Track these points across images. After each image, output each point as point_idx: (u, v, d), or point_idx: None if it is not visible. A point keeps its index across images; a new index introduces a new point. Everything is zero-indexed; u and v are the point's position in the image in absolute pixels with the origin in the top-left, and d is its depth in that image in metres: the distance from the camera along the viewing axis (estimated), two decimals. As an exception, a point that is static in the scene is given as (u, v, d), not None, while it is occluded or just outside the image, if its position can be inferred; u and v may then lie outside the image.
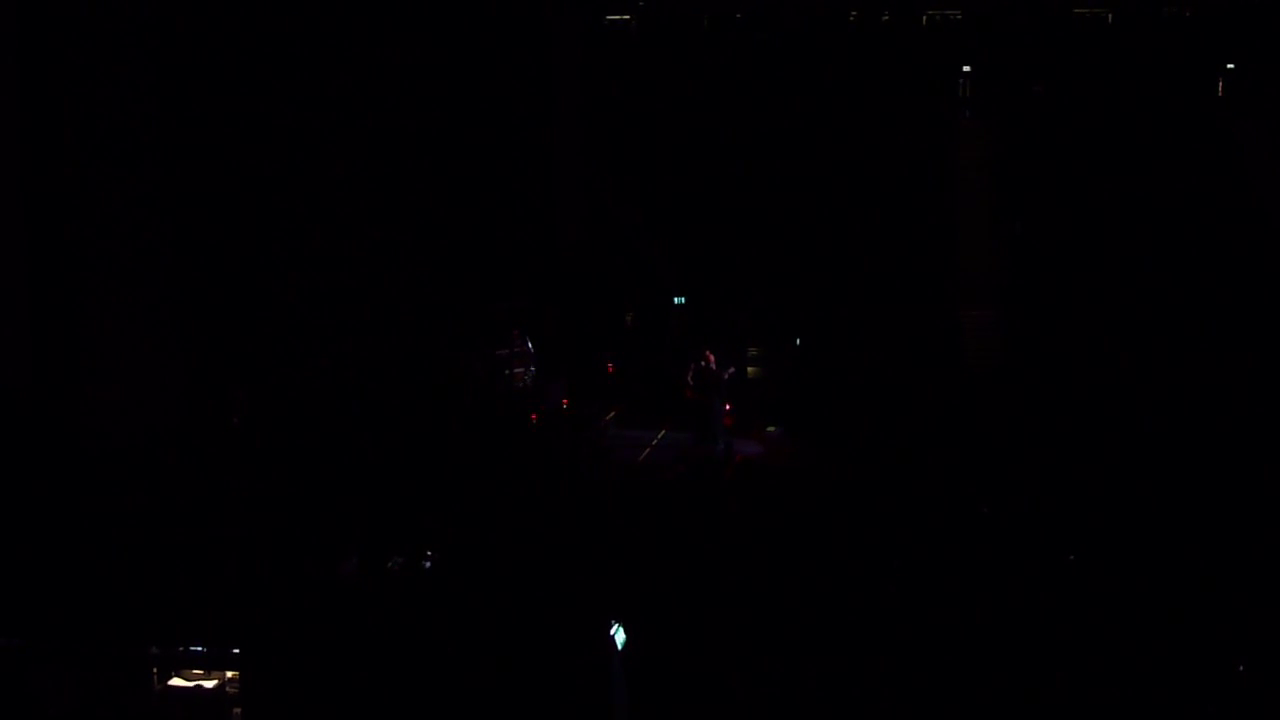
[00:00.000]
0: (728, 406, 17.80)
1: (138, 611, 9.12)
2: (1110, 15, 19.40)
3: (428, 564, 10.59)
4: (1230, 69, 19.40)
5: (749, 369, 21.05)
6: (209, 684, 8.65)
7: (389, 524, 11.40)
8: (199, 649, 8.61)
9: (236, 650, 8.55)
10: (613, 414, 19.60)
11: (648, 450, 17.81)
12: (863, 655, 9.02)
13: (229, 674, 8.61)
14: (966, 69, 19.71)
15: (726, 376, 17.49)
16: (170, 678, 8.67)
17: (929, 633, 9.28)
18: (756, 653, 9.28)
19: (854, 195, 20.38)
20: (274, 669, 8.60)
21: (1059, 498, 12.56)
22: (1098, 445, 14.74)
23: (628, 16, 22.31)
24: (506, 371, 17.95)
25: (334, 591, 10.08)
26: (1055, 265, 18.62)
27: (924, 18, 20.27)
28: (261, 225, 15.53)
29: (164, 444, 13.18)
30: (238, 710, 8.61)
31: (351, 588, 10.26)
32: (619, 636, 8.55)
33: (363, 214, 17.03)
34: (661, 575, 10.58)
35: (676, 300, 22.19)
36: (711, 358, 17.43)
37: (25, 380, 12.68)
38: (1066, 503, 12.38)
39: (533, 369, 18.45)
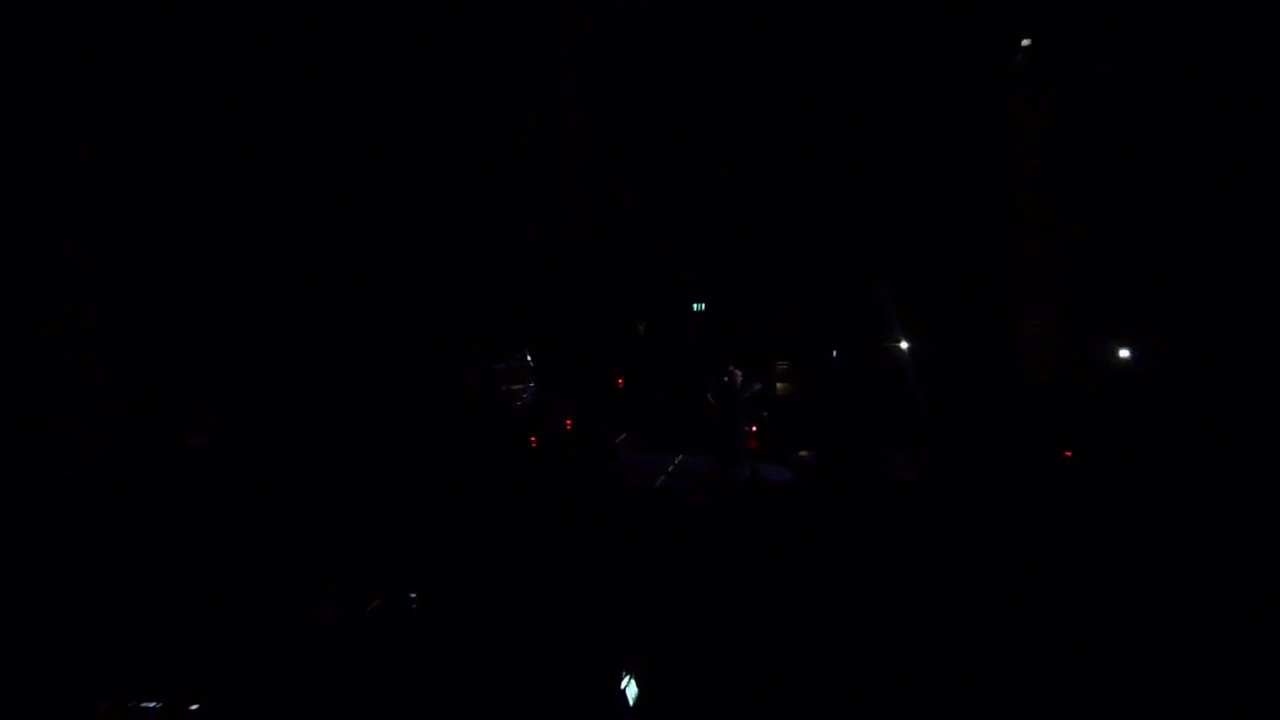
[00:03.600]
0: (753, 428, 17.71)
1: (82, 661, 9.03)
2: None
3: (413, 605, 10.52)
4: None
5: (778, 385, 20.96)
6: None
7: (371, 559, 11.31)
8: (152, 704, 8.51)
9: (196, 706, 8.46)
10: (623, 436, 19.54)
11: (663, 476, 17.73)
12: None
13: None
14: (1025, 43, 19.54)
15: (751, 395, 17.39)
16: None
17: (987, 692, 9.14)
18: (789, 714, 9.16)
19: (894, 190, 20.28)
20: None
21: (1130, 534, 12.43)
22: (1172, 474, 14.59)
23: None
24: (503, 388, 17.90)
25: (309, 636, 9.98)
26: (1124, 271, 18.44)
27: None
28: (230, 223, 15.47)
29: (115, 471, 13.12)
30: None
31: (328, 632, 10.17)
32: (630, 690, 8.53)
33: (344, 213, 16.99)
34: (679, 620, 10.47)
35: (695, 307, 22.13)
36: (736, 373, 17.34)
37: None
38: (1139, 541, 12.25)
39: (533, 385, 18.40)
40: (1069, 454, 15.94)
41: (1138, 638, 9.84)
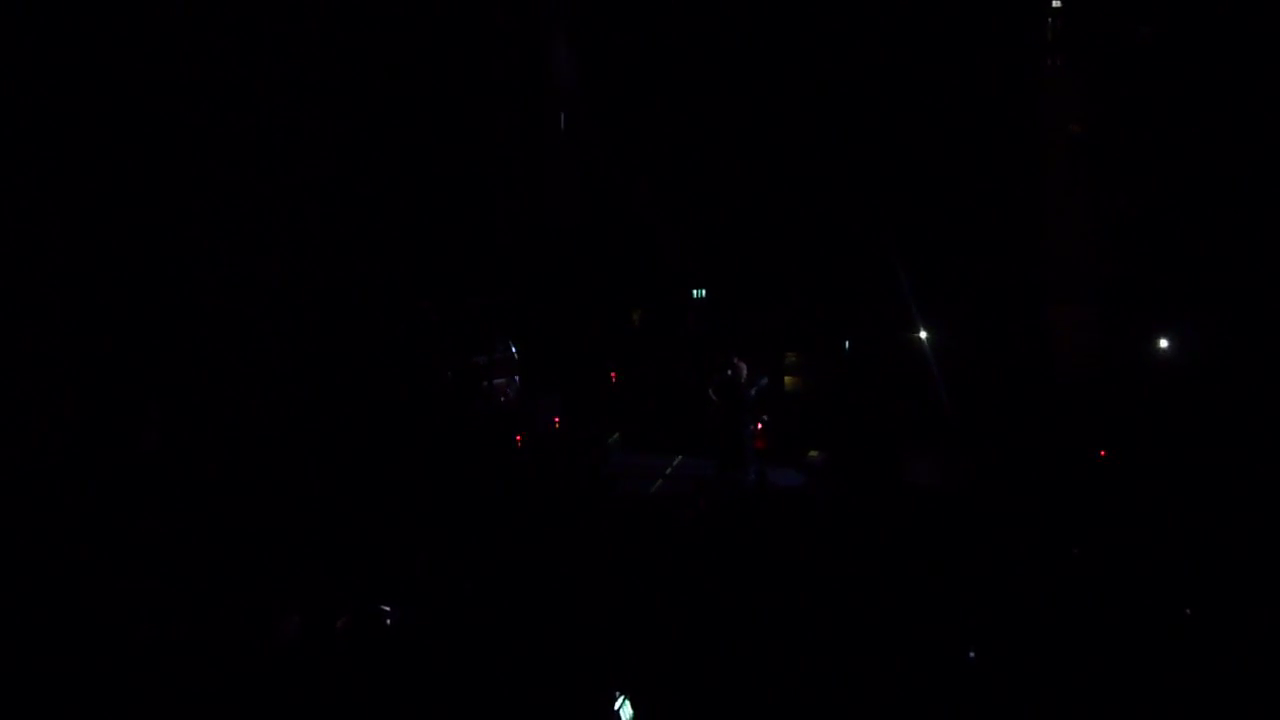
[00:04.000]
0: (759, 426, 17.72)
1: (25, 693, 9.04)
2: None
3: (387, 621, 10.52)
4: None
5: (786, 379, 20.97)
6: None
7: (339, 573, 11.31)
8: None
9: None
10: (616, 435, 19.55)
11: (660, 480, 17.74)
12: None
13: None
14: (1056, 4, 19.53)
15: (757, 390, 17.40)
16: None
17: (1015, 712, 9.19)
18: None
19: (916, 164, 20.26)
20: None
21: (1172, 540, 12.46)
22: (1221, 474, 14.61)
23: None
24: (485, 383, 17.91)
25: (271, 658, 9.99)
26: (1169, 252, 18.44)
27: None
28: (181, 201, 15.42)
29: (57, 476, 13.10)
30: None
31: (292, 652, 10.18)
32: (625, 712, 8.56)
33: (308, 191, 16.96)
34: (677, 637, 10.49)
35: (695, 294, 22.12)
36: (740, 366, 17.35)
37: None
38: (1182, 546, 12.28)
39: (517, 380, 18.41)
40: (1103, 454, 15.98)
41: (1175, 655, 9.88)
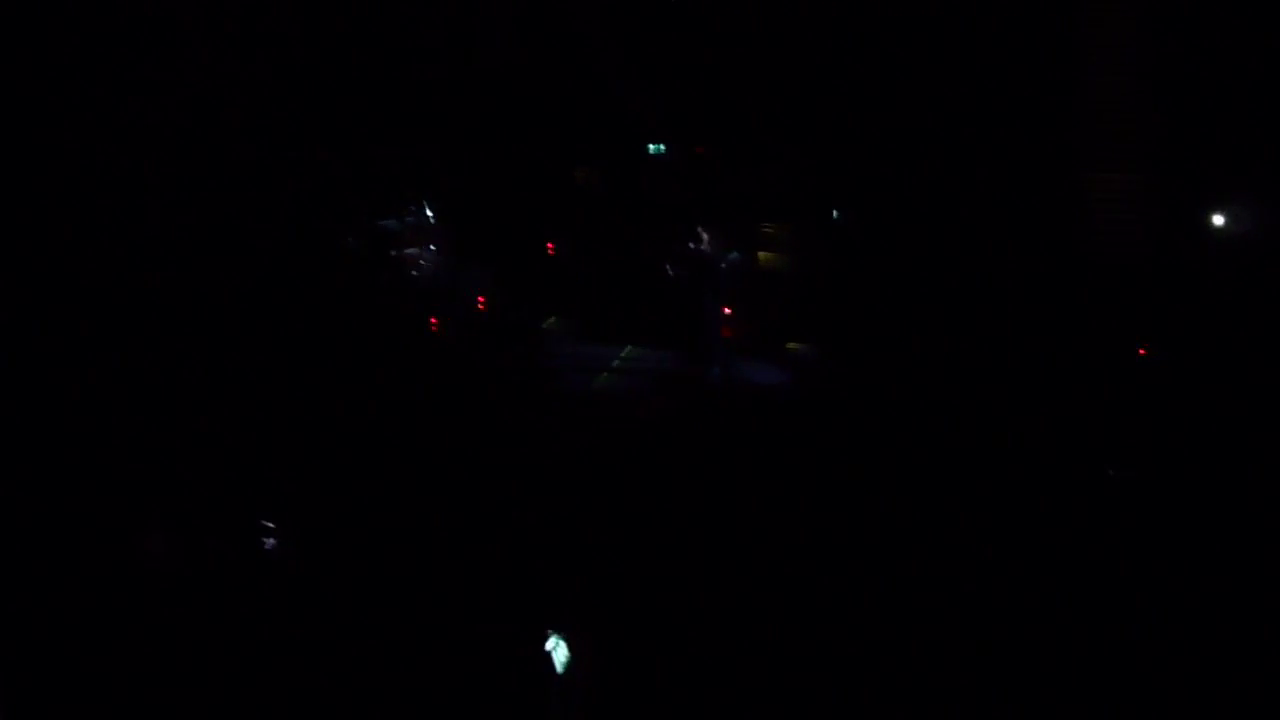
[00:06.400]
0: (727, 311, 17.71)
1: None
2: None
3: (269, 544, 10.54)
4: None
5: (760, 254, 20.93)
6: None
7: (210, 484, 11.28)
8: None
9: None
10: (554, 319, 19.51)
11: (606, 374, 17.76)
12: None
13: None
14: None
15: (726, 265, 17.35)
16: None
17: (1032, 656, 9.32)
18: (760, 685, 9.32)
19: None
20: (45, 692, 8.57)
21: (1225, 456, 12.60)
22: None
23: None
24: (395, 253, 17.78)
25: (131, 582, 10.02)
26: (1227, 109, 18.44)
27: None
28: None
29: None
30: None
31: (157, 575, 10.20)
32: (559, 654, 8.66)
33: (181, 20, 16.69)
34: (623, 567, 10.57)
35: (653, 149, 21.97)
36: (704, 236, 17.27)
37: None
38: (1235, 463, 12.42)
39: (434, 250, 18.27)
40: (1143, 350, 16.09)
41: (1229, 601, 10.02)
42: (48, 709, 8.76)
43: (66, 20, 15.68)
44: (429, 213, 18.33)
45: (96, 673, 8.93)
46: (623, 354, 18.68)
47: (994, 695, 9.05)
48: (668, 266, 17.42)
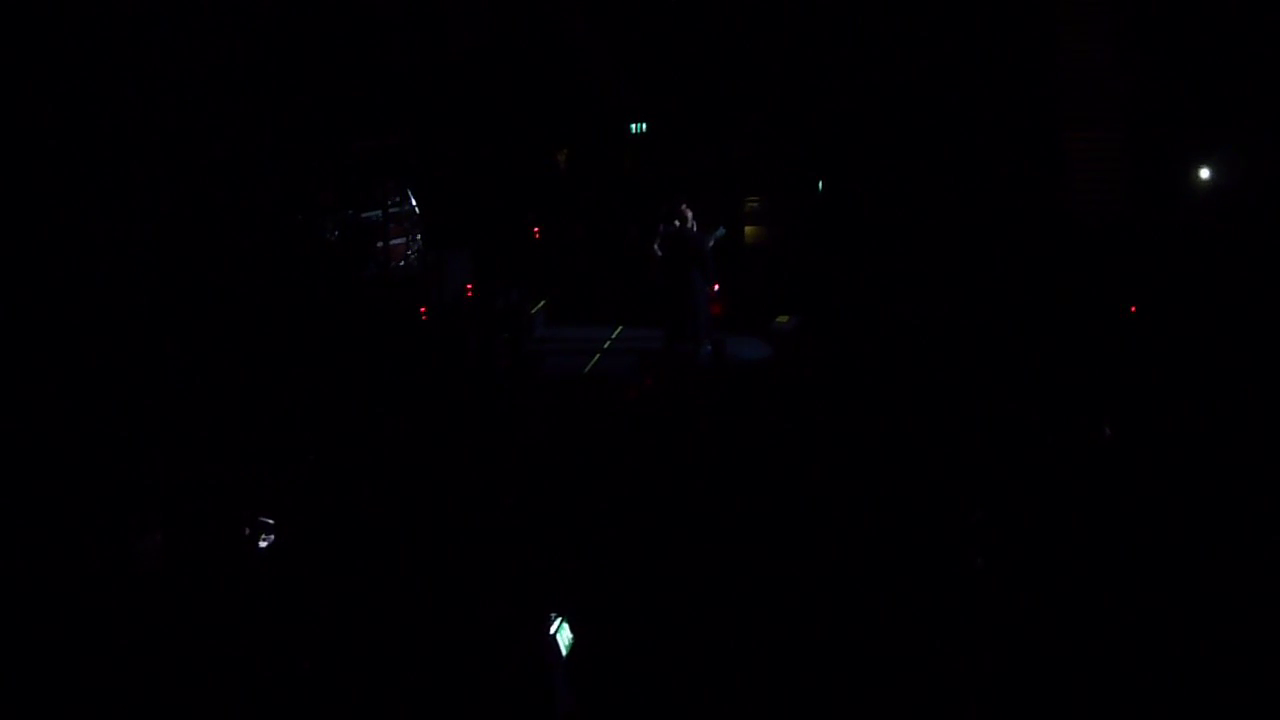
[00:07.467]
0: (715, 288, 17.71)
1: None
2: None
3: (266, 540, 10.54)
4: None
5: (747, 230, 20.94)
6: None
7: (206, 481, 11.28)
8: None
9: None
10: (542, 303, 19.52)
11: (597, 356, 17.79)
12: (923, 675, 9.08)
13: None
14: None
15: (713, 242, 17.36)
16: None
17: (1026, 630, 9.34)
18: (755, 661, 9.33)
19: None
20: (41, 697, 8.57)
21: (1213, 412, 12.63)
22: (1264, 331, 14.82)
23: None
24: (379, 243, 17.75)
25: (128, 581, 10.02)
26: (1208, 61, 18.43)
27: None
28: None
29: None
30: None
31: (153, 575, 10.21)
32: (563, 636, 8.64)
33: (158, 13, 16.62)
34: (621, 548, 10.58)
35: (634, 129, 21.96)
36: (688, 214, 17.26)
37: None
38: (1224, 418, 12.45)
39: (419, 238, 18.26)
40: (1134, 308, 16.11)
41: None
42: (48, 709, 8.76)
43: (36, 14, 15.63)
44: (413, 203, 18.30)
45: (96, 673, 8.93)
46: (612, 335, 18.71)
47: (988, 678, 9.06)
48: (654, 246, 17.40)
